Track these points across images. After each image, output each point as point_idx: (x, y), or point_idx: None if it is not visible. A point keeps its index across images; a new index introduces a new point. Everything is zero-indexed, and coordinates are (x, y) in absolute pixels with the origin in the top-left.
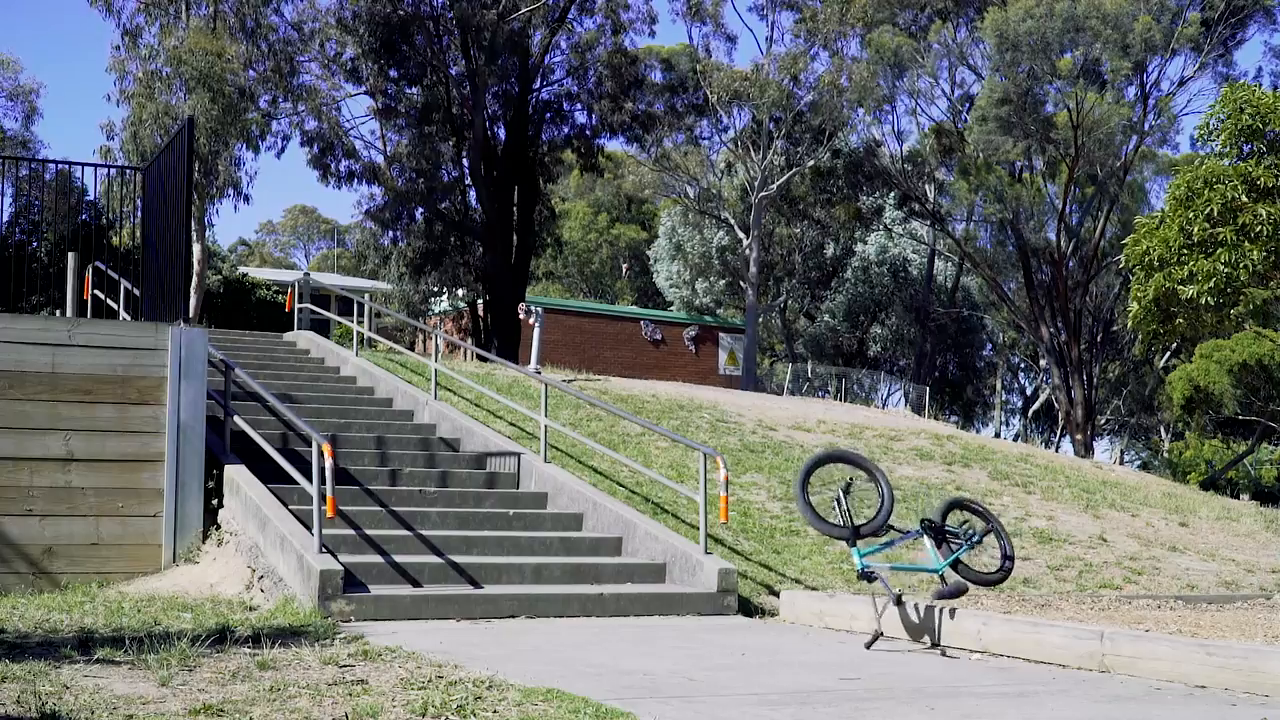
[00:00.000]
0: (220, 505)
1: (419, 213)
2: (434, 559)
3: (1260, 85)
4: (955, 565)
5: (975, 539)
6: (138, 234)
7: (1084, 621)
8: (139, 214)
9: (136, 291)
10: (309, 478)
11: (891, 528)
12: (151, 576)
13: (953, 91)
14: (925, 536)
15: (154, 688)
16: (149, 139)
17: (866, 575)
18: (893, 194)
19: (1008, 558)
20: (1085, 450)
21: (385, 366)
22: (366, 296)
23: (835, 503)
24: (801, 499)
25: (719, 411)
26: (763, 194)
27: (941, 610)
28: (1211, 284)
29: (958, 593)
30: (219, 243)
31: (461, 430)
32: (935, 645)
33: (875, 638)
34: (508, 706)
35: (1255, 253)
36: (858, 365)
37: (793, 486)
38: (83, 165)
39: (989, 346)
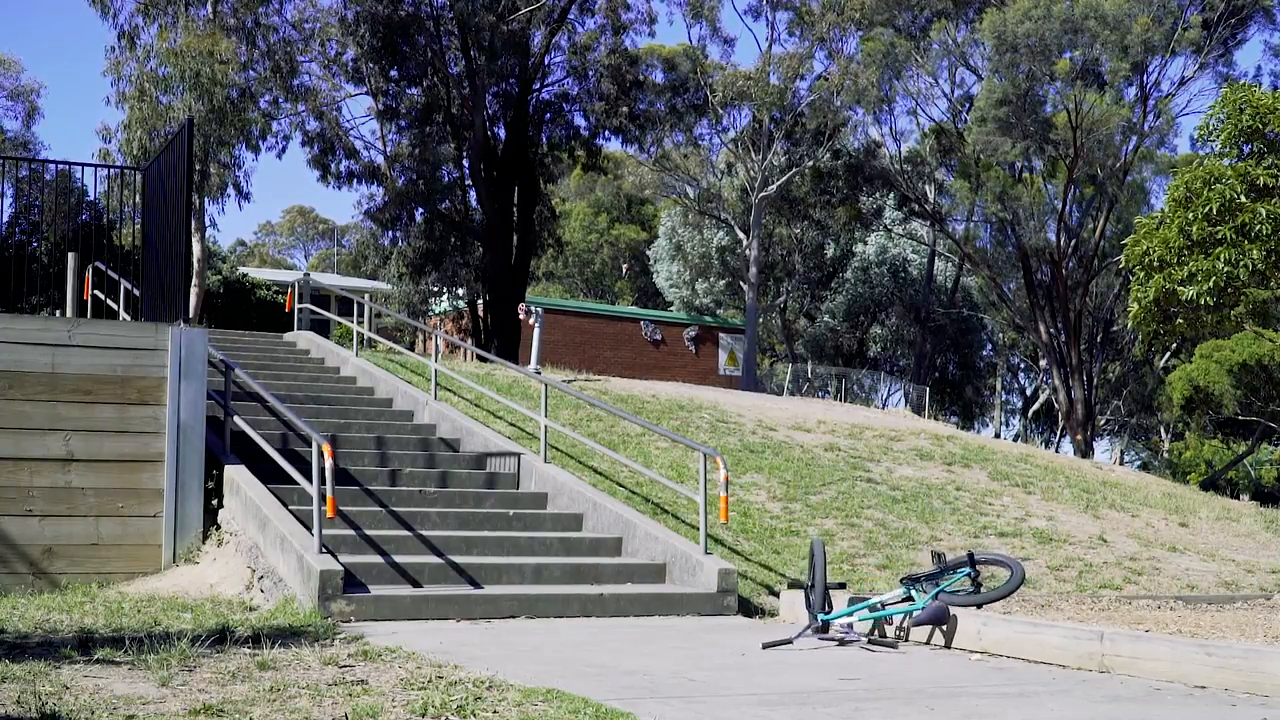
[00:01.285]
0: (220, 505)
1: (419, 213)
2: (434, 559)
3: (1260, 85)
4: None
5: (957, 577)
6: (138, 234)
7: (1084, 622)
8: (139, 214)
9: (136, 291)
10: (309, 478)
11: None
12: (151, 577)
13: (952, 92)
14: (911, 589)
15: (154, 688)
16: (146, 140)
17: (823, 627)
18: (892, 194)
19: (1003, 596)
20: (1085, 450)
21: (385, 367)
22: (366, 297)
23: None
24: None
25: (719, 412)
26: (763, 194)
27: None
28: (1211, 284)
29: (933, 619)
30: (219, 243)
31: (461, 430)
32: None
33: (778, 643)
34: (508, 707)
35: (1255, 251)
36: (858, 365)
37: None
38: (83, 165)
39: (989, 346)
